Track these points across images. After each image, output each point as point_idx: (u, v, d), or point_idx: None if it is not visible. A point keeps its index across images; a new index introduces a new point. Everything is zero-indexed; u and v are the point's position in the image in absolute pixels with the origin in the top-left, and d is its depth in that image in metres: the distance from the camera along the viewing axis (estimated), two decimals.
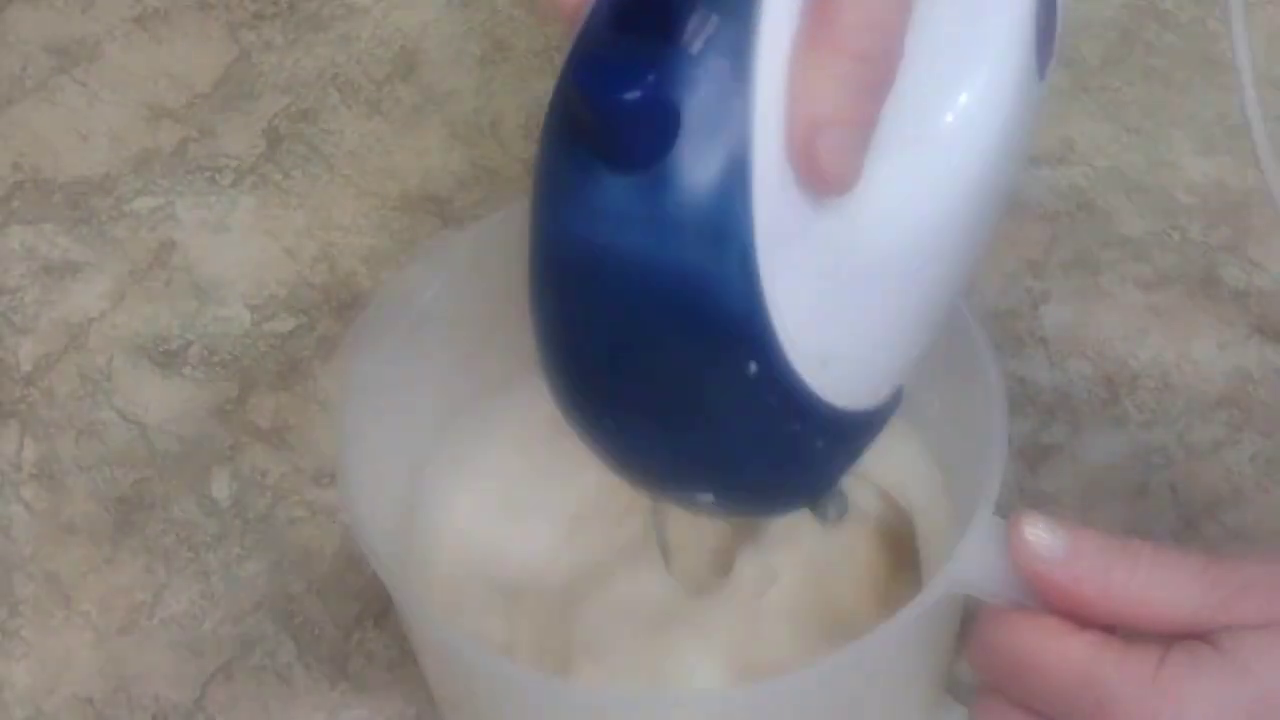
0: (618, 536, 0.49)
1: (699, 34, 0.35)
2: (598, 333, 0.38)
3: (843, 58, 0.36)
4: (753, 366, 0.37)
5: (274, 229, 0.63)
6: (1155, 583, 0.39)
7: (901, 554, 0.48)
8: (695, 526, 0.48)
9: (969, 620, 0.43)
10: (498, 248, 0.48)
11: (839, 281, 0.38)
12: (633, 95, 0.34)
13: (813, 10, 0.36)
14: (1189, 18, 0.67)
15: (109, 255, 0.63)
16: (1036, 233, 0.61)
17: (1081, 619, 0.39)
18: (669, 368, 0.38)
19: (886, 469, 0.50)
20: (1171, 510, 0.54)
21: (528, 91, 0.66)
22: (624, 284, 0.36)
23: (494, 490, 0.50)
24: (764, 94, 0.35)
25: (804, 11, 0.36)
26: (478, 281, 0.48)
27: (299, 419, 0.58)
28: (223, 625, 0.53)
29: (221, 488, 0.56)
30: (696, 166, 0.35)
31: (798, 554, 0.47)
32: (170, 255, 0.63)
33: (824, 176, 0.36)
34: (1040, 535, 0.39)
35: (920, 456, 0.49)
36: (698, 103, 0.35)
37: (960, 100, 0.40)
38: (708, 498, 0.41)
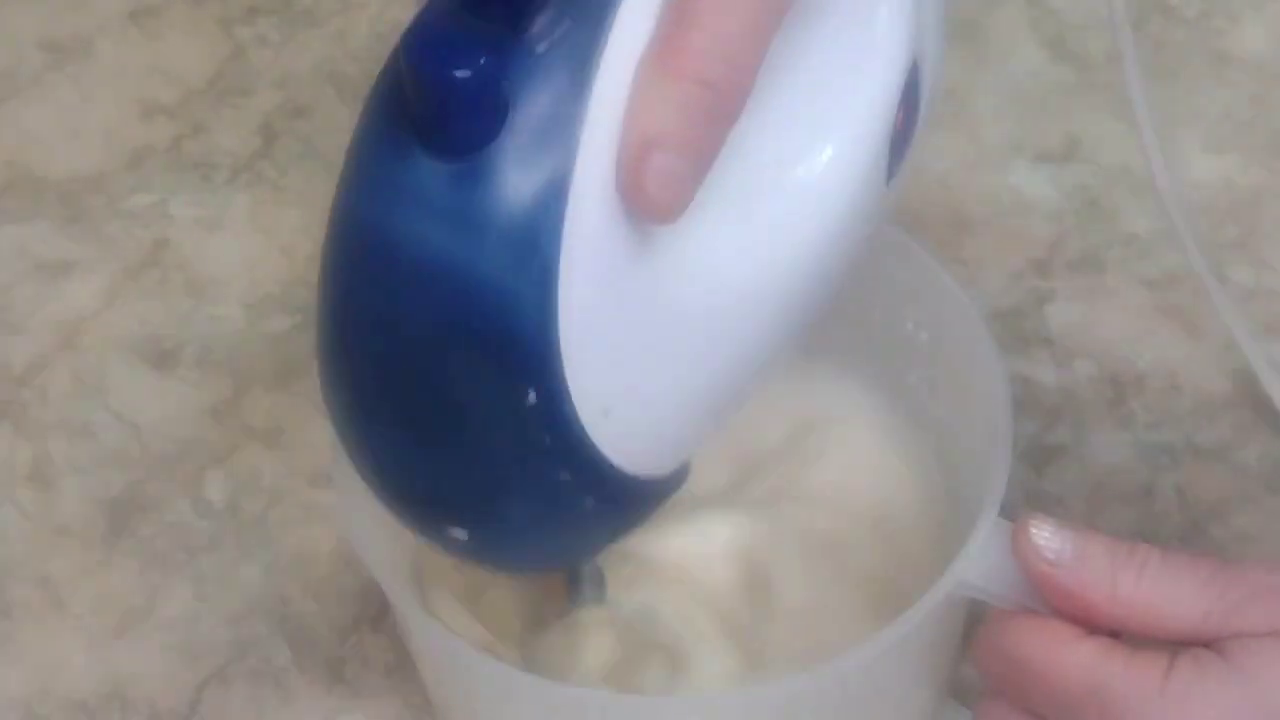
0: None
1: (546, 33, 0.34)
2: (376, 324, 0.36)
3: (688, 81, 0.35)
4: (531, 395, 0.35)
5: (269, 227, 0.63)
6: (1162, 589, 0.38)
7: (904, 555, 0.48)
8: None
9: (973, 623, 0.43)
10: None
11: (641, 329, 0.37)
12: (462, 74, 0.33)
13: (665, 30, 0.35)
14: (1196, 13, 0.67)
15: (102, 254, 0.63)
16: (1042, 231, 0.61)
17: (1087, 624, 0.39)
18: (444, 380, 0.36)
19: (888, 469, 0.50)
20: (1178, 512, 0.54)
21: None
22: (414, 278, 0.35)
23: None
24: (600, 108, 0.34)
25: (655, 30, 0.35)
26: None
27: (294, 420, 0.58)
28: (217, 629, 0.53)
29: (216, 489, 0.56)
30: (514, 168, 0.34)
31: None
32: (164, 254, 0.63)
33: (648, 200, 0.35)
34: (1046, 539, 0.39)
35: (924, 457, 0.49)
36: (530, 101, 0.34)
37: (805, 171, 0.39)
38: (461, 534, 0.39)
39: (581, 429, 0.36)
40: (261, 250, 0.62)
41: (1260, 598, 0.38)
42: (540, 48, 0.34)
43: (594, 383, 0.36)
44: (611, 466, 0.37)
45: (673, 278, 0.37)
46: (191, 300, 0.61)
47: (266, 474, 0.56)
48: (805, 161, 0.39)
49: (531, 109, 0.34)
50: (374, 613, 0.53)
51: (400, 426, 0.37)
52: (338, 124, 0.66)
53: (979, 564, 0.41)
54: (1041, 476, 0.55)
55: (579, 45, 0.34)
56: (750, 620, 0.46)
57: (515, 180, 0.34)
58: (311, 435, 0.57)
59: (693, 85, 0.35)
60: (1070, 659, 0.38)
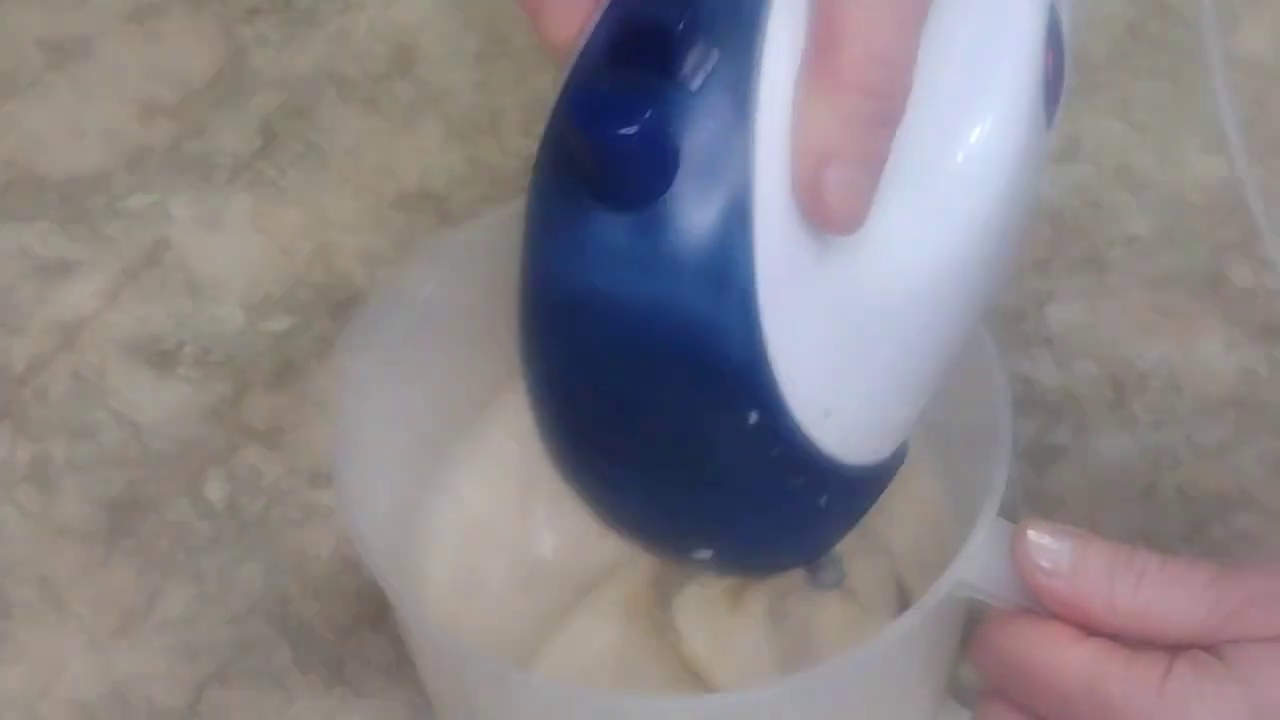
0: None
1: (698, 69, 0.34)
2: (591, 380, 0.37)
3: (849, 92, 0.35)
4: (753, 417, 0.36)
5: (269, 227, 0.63)
6: (1160, 596, 0.38)
7: (904, 555, 0.48)
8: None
9: (973, 623, 0.43)
10: (496, 246, 0.47)
11: (843, 329, 0.37)
12: (630, 132, 0.33)
13: (816, 44, 0.35)
14: (1195, 14, 0.66)
15: (102, 254, 0.63)
16: (1043, 231, 0.61)
17: (1086, 628, 0.39)
18: (666, 417, 0.37)
19: None
20: (1179, 512, 0.54)
21: (526, 88, 0.66)
22: (619, 329, 0.35)
23: (491, 491, 0.50)
24: (766, 131, 0.34)
25: (807, 45, 0.35)
26: (475, 280, 0.47)
27: (295, 420, 0.58)
28: (218, 628, 0.53)
29: (216, 489, 0.56)
30: (696, 206, 0.34)
31: None
32: (164, 254, 0.63)
33: (830, 215, 0.35)
34: (1045, 547, 0.39)
35: (924, 457, 0.49)
36: (697, 140, 0.34)
37: (970, 142, 0.39)
38: (705, 554, 0.40)
39: (805, 436, 0.37)
40: (261, 250, 0.62)
41: (1258, 603, 0.38)
42: (695, 83, 0.34)
43: (810, 391, 0.36)
44: (838, 462, 0.38)
45: (865, 275, 0.37)
46: (191, 300, 0.61)
47: (266, 474, 0.56)
48: (968, 131, 0.39)
49: (701, 148, 0.34)
50: (374, 613, 0.53)
51: (636, 471, 0.38)
52: (338, 124, 0.66)
53: (978, 564, 0.41)
54: (1042, 477, 0.55)
55: (734, 75, 0.34)
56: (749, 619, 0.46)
57: (698, 220, 0.34)
58: (311, 435, 0.57)
59: (855, 95, 0.35)
60: (1069, 660, 0.38)
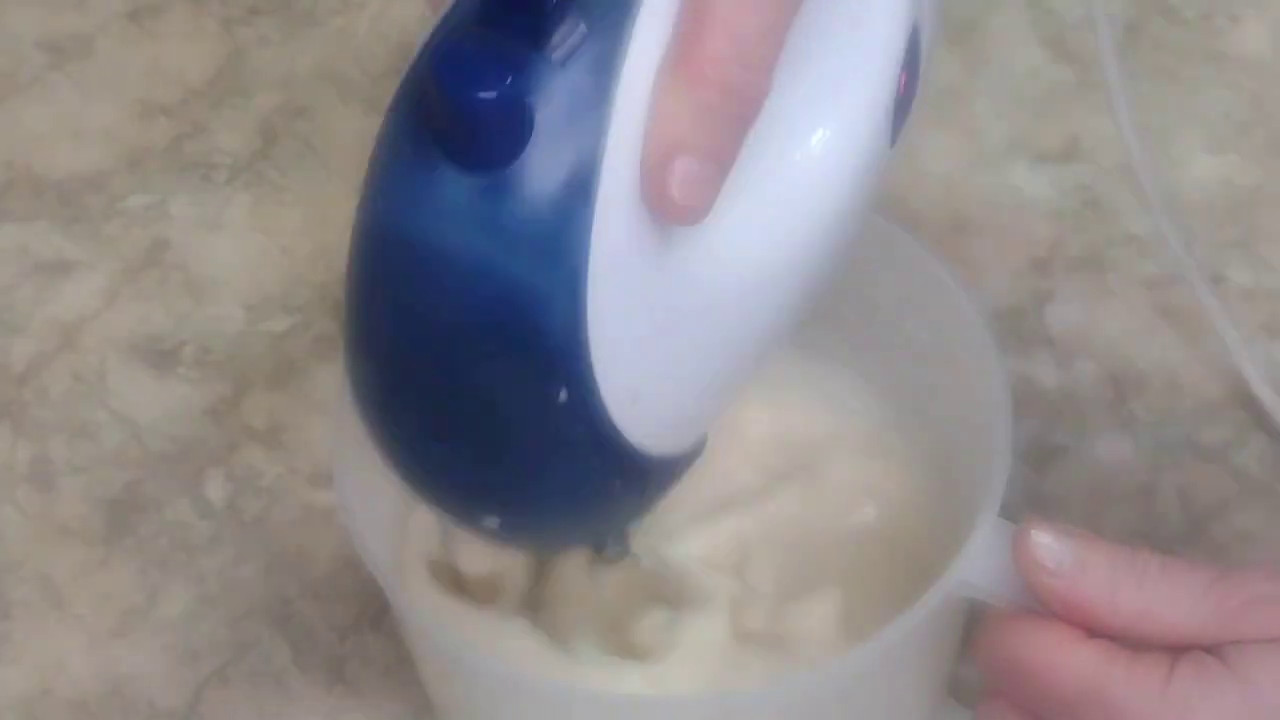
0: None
1: (565, 43, 0.34)
2: (408, 332, 0.37)
3: (708, 88, 0.35)
4: (562, 394, 0.36)
5: (269, 227, 0.63)
6: (1162, 597, 0.39)
7: (904, 555, 0.48)
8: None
9: (973, 623, 0.43)
10: None
11: (664, 318, 0.38)
12: (489, 96, 0.33)
13: (683, 35, 0.35)
14: (1196, 13, 0.66)
15: (102, 254, 0.63)
16: (1042, 231, 0.61)
17: (1088, 630, 0.39)
18: (475, 382, 0.37)
19: (888, 469, 0.50)
20: (1178, 512, 0.54)
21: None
22: (446, 285, 0.36)
23: None
24: (623, 114, 0.35)
25: (674, 36, 0.35)
26: None
27: (294, 420, 0.58)
28: (218, 628, 0.53)
29: (216, 489, 0.56)
30: (542, 177, 0.34)
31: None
32: (164, 254, 0.62)
33: (672, 206, 0.36)
34: (1047, 548, 0.39)
35: (924, 457, 0.49)
36: (553, 113, 0.34)
37: (811, 147, 0.40)
38: (493, 522, 0.40)
39: (610, 420, 0.37)
40: (261, 250, 0.62)
41: (1259, 605, 0.38)
42: (561, 58, 0.34)
43: (621, 376, 0.37)
44: (638, 450, 0.39)
45: (691, 265, 0.38)
46: (191, 300, 0.61)
47: (266, 474, 0.56)
48: (812, 135, 0.40)
49: (556, 121, 0.34)
50: (374, 612, 0.53)
51: (434, 426, 0.38)
52: (338, 124, 0.66)
53: (979, 564, 0.41)
54: (1042, 477, 0.55)
55: (600, 54, 0.35)
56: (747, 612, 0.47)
57: (542, 191, 0.35)
58: (311, 435, 0.57)
59: (713, 91, 0.35)
60: (1071, 662, 0.38)
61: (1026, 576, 0.39)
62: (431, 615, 0.46)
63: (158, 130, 0.66)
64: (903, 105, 0.41)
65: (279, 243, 0.63)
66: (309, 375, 0.59)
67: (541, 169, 0.34)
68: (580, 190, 0.35)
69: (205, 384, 0.59)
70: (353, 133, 0.66)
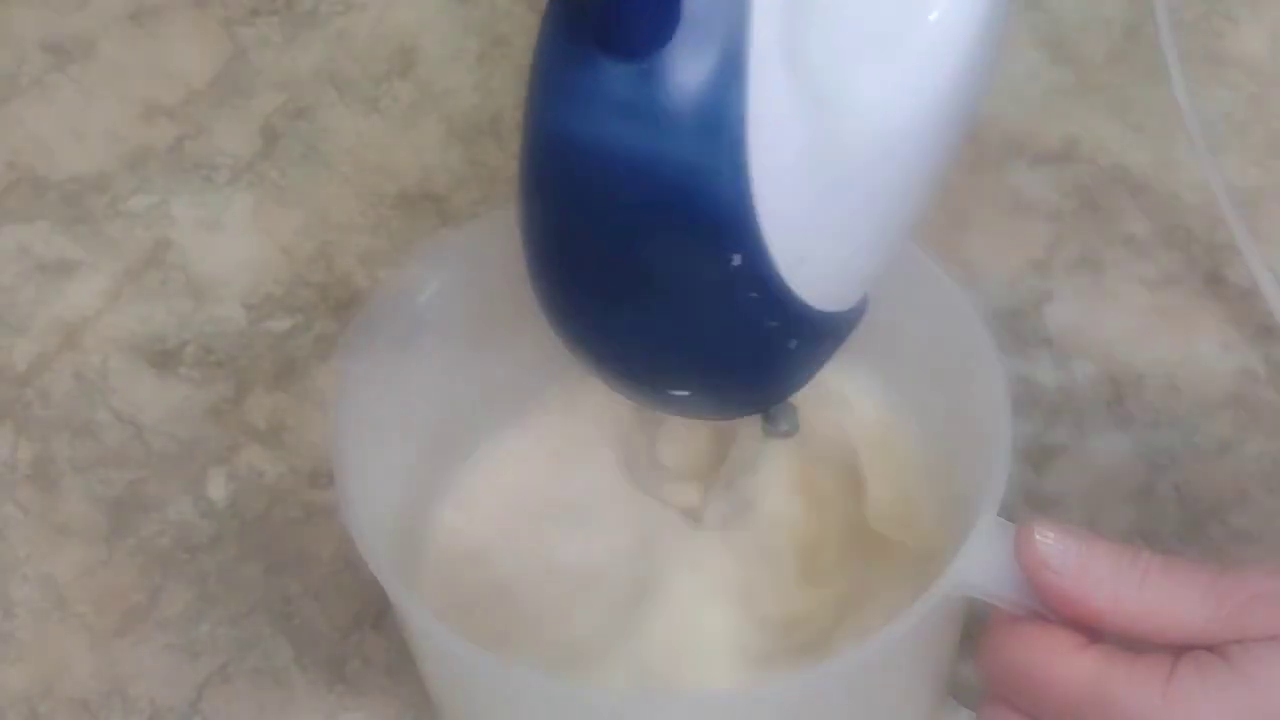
0: (619, 535, 0.49)
1: None
2: (585, 224, 0.39)
3: None
4: (736, 260, 0.38)
5: (270, 227, 0.63)
6: (1164, 596, 0.39)
7: (903, 554, 0.48)
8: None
9: (973, 622, 0.43)
10: (496, 246, 0.47)
11: (822, 180, 0.39)
12: None
13: None
14: (1194, 15, 0.67)
15: (104, 254, 0.63)
16: (1041, 232, 0.61)
17: (1089, 628, 0.39)
18: (654, 259, 0.39)
19: (887, 468, 0.50)
20: (1177, 511, 0.54)
21: (526, 89, 0.66)
22: (616, 174, 0.37)
23: (493, 490, 0.50)
24: None
25: None
26: (476, 280, 0.47)
27: (296, 419, 0.58)
28: (219, 627, 0.53)
29: (218, 489, 0.56)
30: (694, 58, 0.36)
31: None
32: (166, 254, 0.63)
33: None
34: (1050, 545, 0.39)
35: (923, 456, 0.49)
36: None
37: (942, 4, 0.40)
38: (682, 393, 0.43)
39: (782, 281, 0.39)
40: (262, 251, 0.63)
41: (1260, 603, 0.38)
42: None
43: (787, 238, 0.38)
44: (809, 308, 0.41)
45: (840, 129, 0.39)
46: (193, 300, 0.61)
47: (268, 473, 0.56)
48: None
49: (702, 3, 0.36)
50: (375, 611, 0.53)
51: (619, 311, 0.41)
52: (339, 125, 0.66)
53: (978, 563, 0.41)
54: (1041, 476, 0.55)
55: None
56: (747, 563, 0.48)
57: (696, 69, 0.36)
58: (312, 435, 0.57)
59: None
60: (1073, 667, 0.39)
61: (1029, 574, 0.40)
62: (433, 615, 0.46)
63: (159, 131, 0.66)
64: None
65: (280, 243, 0.63)
66: (310, 375, 0.59)
67: (692, 50, 0.36)
68: (732, 65, 0.36)
69: (207, 384, 0.59)
70: (353, 133, 0.66)
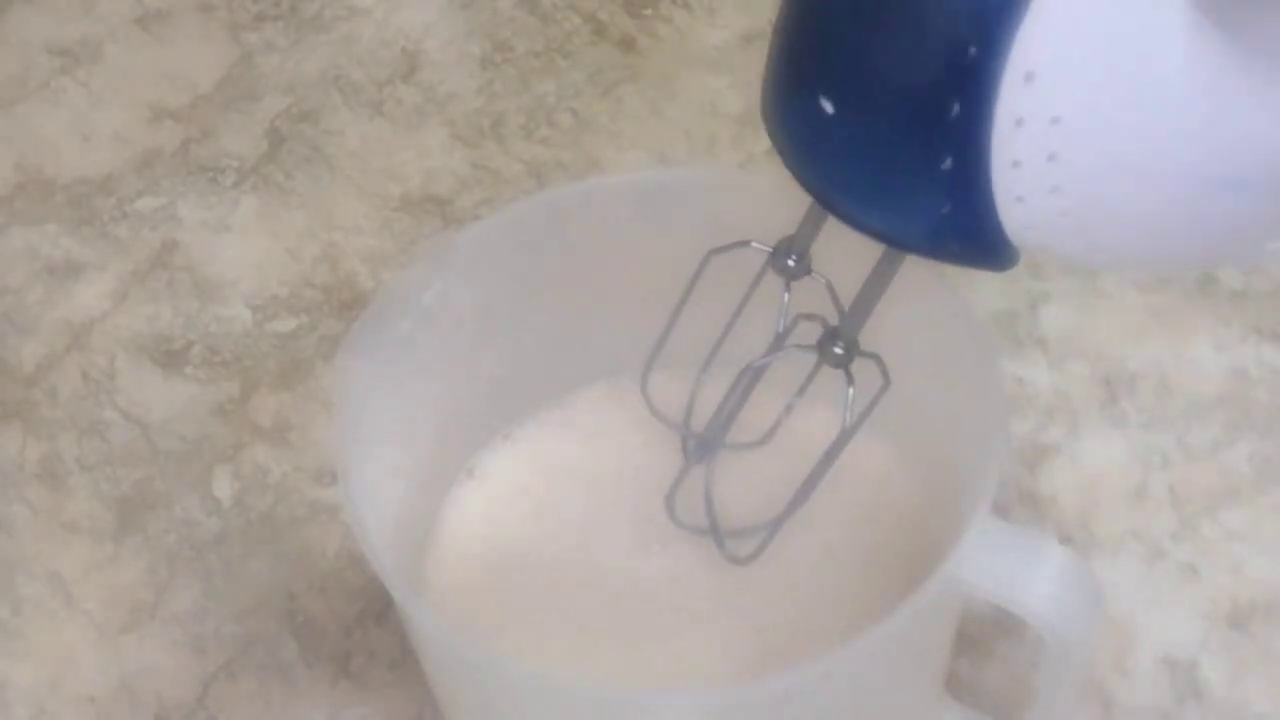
0: (620, 534, 0.49)
1: None
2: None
3: None
4: (971, 51, 0.33)
5: (276, 229, 0.63)
6: None
7: (898, 552, 0.48)
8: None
9: (967, 620, 0.43)
10: (499, 248, 0.48)
11: (1126, 126, 0.34)
12: None
13: None
14: None
15: (111, 255, 0.63)
16: None
17: None
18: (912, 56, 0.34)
19: (883, 467, 0.50)
20: (1170, 511, 0.54)
21: (529, 92, 0.66)
22: None
23: (494, 489, 0.50)
24: None
25: None
26: (479, 282, 0.48)
27: (301, 418, 0.58)
28: (225, 624, 0.53)
29: (224, 487, 0.56)
30: None
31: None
32: (172, 255, 0.63)
33: None
34: None
35: (918, 455, 0.49)
36: None
37: None
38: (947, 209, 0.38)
39: (987, 152, 0.35)
40: (268, 252, 0.63)
41: None
42: None
43: (1030, 113, 0.34)
44: (992, 210, 0.37)
45: (1199, 119, 0.34)
46: (199, 301, 0.61)
47: (273, 471, 0.57)
48: None
49: None
50: (379, 608, 0.53)
51: (866, 119, 0.36)
52: (343, 128, 0.66)
53: (971, 561, 0.41)
54: (1035, 475, 0.55)
55: None
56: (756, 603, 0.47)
57: None
58: (317, 433, 0.57)
59: None
60: None
61: None
62: (435, 612, 0.46)
63: (166, 134, 0.67)
64: None
65: (285, 245, 0.63)
66: (315, 375, 0.59)
67: None
68: None
69: (213, 383, 0.59)
70: (358, 136, 0.66)
